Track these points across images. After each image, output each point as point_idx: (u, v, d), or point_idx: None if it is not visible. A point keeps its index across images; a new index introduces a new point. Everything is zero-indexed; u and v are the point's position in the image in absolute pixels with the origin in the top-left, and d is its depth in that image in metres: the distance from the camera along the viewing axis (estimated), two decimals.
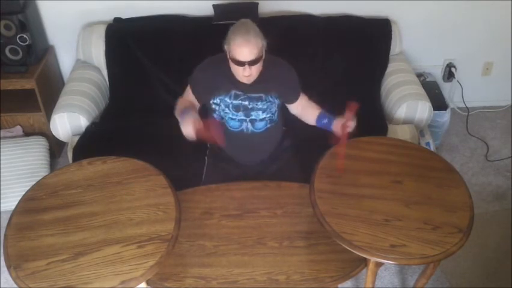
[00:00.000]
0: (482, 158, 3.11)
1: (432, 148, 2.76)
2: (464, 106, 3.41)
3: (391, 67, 2.86)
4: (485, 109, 3.49)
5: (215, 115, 2.19)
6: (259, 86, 2.09)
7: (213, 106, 2.16)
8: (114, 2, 2.88)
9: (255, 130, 2.17)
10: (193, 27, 2.83)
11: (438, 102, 2.97)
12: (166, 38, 2.81)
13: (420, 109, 2.62)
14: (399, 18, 3.01)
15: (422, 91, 2.69)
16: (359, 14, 2.96)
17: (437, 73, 3.33)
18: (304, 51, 2.80)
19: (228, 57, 1.96)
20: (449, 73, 3.31)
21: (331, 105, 2.68)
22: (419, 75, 3.14)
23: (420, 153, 2.08)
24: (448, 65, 3.30)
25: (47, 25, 2.95)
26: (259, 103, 2.12)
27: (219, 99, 2.12)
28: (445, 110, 2.98)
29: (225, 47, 1.96)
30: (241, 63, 1.93)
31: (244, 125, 2.16)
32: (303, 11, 2.96)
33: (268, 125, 2.19)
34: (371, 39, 2.87)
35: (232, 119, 2.15)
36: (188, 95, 2.17)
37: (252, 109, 2.13)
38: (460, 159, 3.09)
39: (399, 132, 2.56)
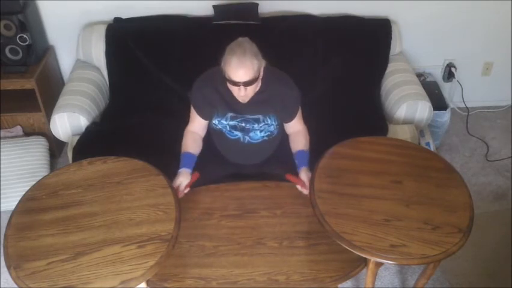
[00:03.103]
0: (482, 158, 3.11)
1: (432, 148, 2.76)
2: (464, 106, 3.41)
3: (391, 67, 2.86)
4: (485, 109, 3.49)
5: (213, 127, 2.20)
6: (256, 107, 2.09)
7: (212, 124, 2.18)
8: (114, 2, 2.88)
9: (251, 141, 2.18)
10: (193, 27, 2.83)
11: (439, 102, 2.97)
12: (166, 38, 2.81)
13: (420, 109, 2.62)
14: (399, 18, 3.01)
15: (422, 91, 2.69)
16: (359, 14, 2.96)
17: (437, 73, 3.33)
18: (304, 51, 2.80)
19: (224, 76, 1.94)
20: (449, 73, 3.31)
21: (331, 106, 2.70)
22: (419, 75, 3.14)
23: (420, 153, 2.08)
24: (448, 65, 3.30)
25: (47, 25, 2.95)
26: (255, 125, 2.13)
27: (217, 120, 2.14)
28: (445, 110, 2.98)
29: (222, 65, 1.94)
30: (236, 84, 1.92)
31: (241, 136, 2.18)
32: (303, 11, 2.96)
33: (266, 138, 2.19)
34: (371, 39, 2.87)
35: (230, 134, 2.18)
36: (193, 113, 2.18)
37: (249, 130, 2.14)
38: (460, 159, 3.09)
39: (399, 132, 2.55)
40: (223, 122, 2.13)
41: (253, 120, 2.12)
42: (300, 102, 2.18)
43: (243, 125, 2.13)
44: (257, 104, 2.08)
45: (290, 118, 2.19)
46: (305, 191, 2.05)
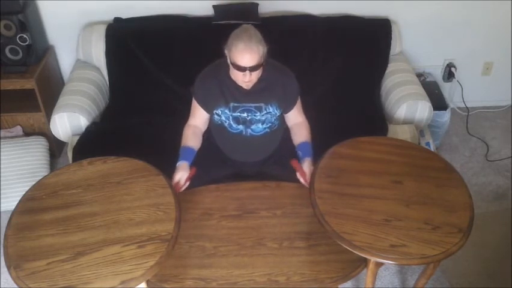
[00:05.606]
0: (482, 158, 3.11)
1: (432, 148, 2.76)
2: (464, 106, 3.41)
3: (391, 67, 2.86)
4: (485, 109, 3.49)
5: (215, 121, 2.20)
6: (258, 95, 2.11)
7: (215, 116, 2.18)
8: (114, 2, 2.88)
9: (253, 133, 2.18)
10: (193, 27, 2.83)
11: (439, 102, 2.97)
12: (166, 38, 2.81)
13: (420, 109, 2.62)
14: (399, 18, 3.01)
15: (422, 91, 2.69)
16: (359, 14, 2.96)
17: (437, 73, 3.33)
18: (304, 51, 2.80)
19: (229, 62, 1.97)
20: (449, 73, 3.31)
21: (331, 105, 2.70)
22: (419, 75, 3.14)
23: (420, 153, 2.08)
24: (448, 65, 3.30)
25: (47, 25, 2.95)
26: (257, 114, 2.13)
27: (220, 110, 2.14)
28: (445, 110, 2.98)
29: (226, 51, 1.96)
30: (242, 69, 1.93)
31: (243, 129, 2.18)
32: (303, 11, 2.96)
33: (268, 130, 2.19)
34: (371, 39, 2.87)
35: (231, 128, 2.17)
36: (195, 107, 2.19)
37: (251, 121, 2.14)
38: (460, 159, 3.09)
39: (399, 132, 2.55)
40: (227, 112, 2.13)
41: (255, 109, 2.12)
42: (299, 92, 2.20)
43: (245, 115, 2.13)
44: (258, 92, 2.10)
45: (290, 107, 2.21)
46: (302, 180, 2.07)
